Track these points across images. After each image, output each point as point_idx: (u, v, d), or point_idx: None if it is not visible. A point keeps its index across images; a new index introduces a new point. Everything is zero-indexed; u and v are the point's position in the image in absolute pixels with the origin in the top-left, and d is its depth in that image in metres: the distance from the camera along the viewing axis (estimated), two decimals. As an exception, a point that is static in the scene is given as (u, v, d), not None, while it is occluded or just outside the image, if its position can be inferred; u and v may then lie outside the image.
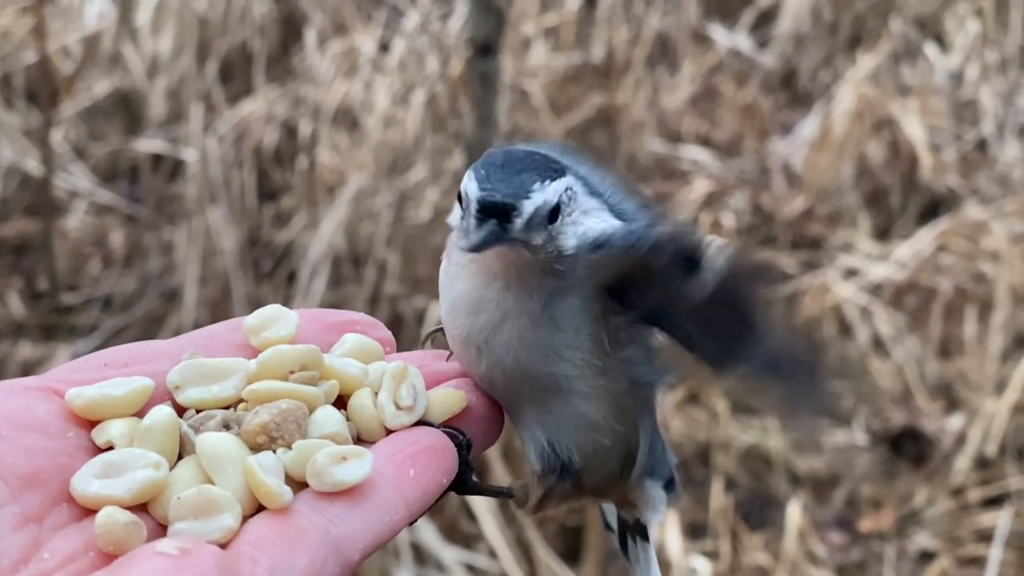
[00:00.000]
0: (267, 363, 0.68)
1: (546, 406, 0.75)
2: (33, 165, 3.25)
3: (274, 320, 0.73)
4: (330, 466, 0.61)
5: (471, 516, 2.26)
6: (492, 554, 2.23)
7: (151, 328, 2.94)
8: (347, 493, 0.61)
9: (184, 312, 2.89)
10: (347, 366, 0.71)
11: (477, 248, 0.71)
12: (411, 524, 0.70)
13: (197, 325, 2.90)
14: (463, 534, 2.33)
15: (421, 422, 0.70)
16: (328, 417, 0.67)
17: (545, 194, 0.72)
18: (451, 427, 0.71)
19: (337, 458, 0.62)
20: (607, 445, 0.76)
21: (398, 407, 0.71)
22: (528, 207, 0.71)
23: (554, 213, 0.72)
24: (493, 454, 2.24)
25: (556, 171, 0.73)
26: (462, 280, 0.75)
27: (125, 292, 3.08)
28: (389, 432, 0.69)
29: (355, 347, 0.74)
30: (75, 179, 3.39)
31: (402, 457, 0.66)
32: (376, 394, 0.70)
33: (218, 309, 2.91)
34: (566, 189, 0.73)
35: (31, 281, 3.15)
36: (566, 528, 2.46)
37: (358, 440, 0.68)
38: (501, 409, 0.76)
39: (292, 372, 0.69)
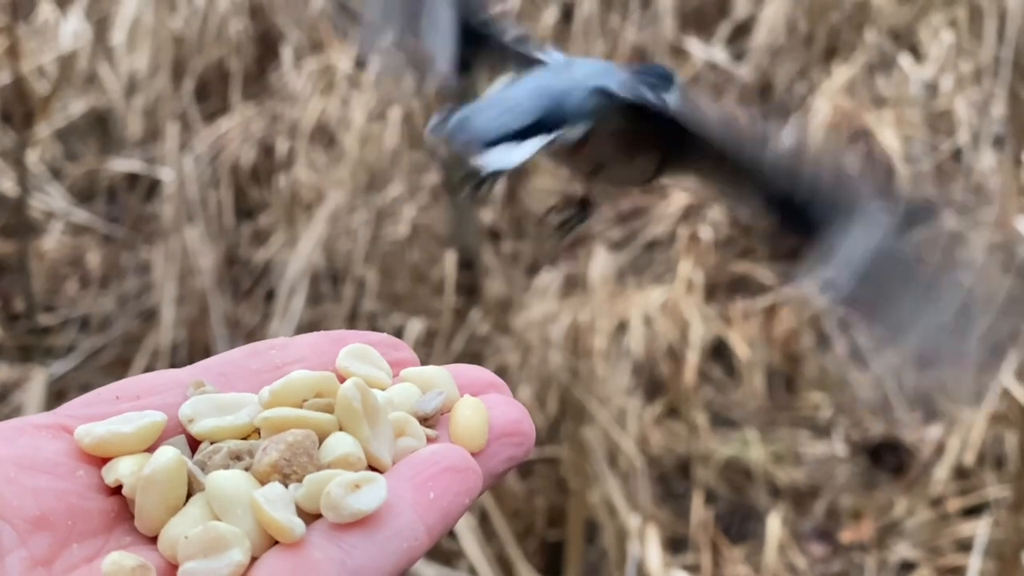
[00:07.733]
0: (279, 392, 0.67)
1: None
2: (8, 186, 3.24)
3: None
4: (345, 496, 0.59)
5: (451, 533, 2.25)
6: (472, 571, 2.23)
7: (129, 348, 2.93)
8: (363, 521, 0.59)
9: (162, 332, 2.88)
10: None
11: None
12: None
13: (175, 345, 2.90)
14: (443, 552, 2.33)
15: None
16: (340, 441, 0.65)
17: None
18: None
19: (351, 486, 0.60)
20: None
21: (420, 420, 0.70)
22: None
23: None
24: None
25: None
26: None
27: (102, 312, 3.06)
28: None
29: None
30: (51, 199, 3.37)
31: (422, 479, 0.63)
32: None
33: (196, 328, 2.90)
34: None
35: (7, 302, 3.13)
36: (547, 544, 2.45)
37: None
38: (529, 421, 0.73)
39: (305, 400, 0.67)
